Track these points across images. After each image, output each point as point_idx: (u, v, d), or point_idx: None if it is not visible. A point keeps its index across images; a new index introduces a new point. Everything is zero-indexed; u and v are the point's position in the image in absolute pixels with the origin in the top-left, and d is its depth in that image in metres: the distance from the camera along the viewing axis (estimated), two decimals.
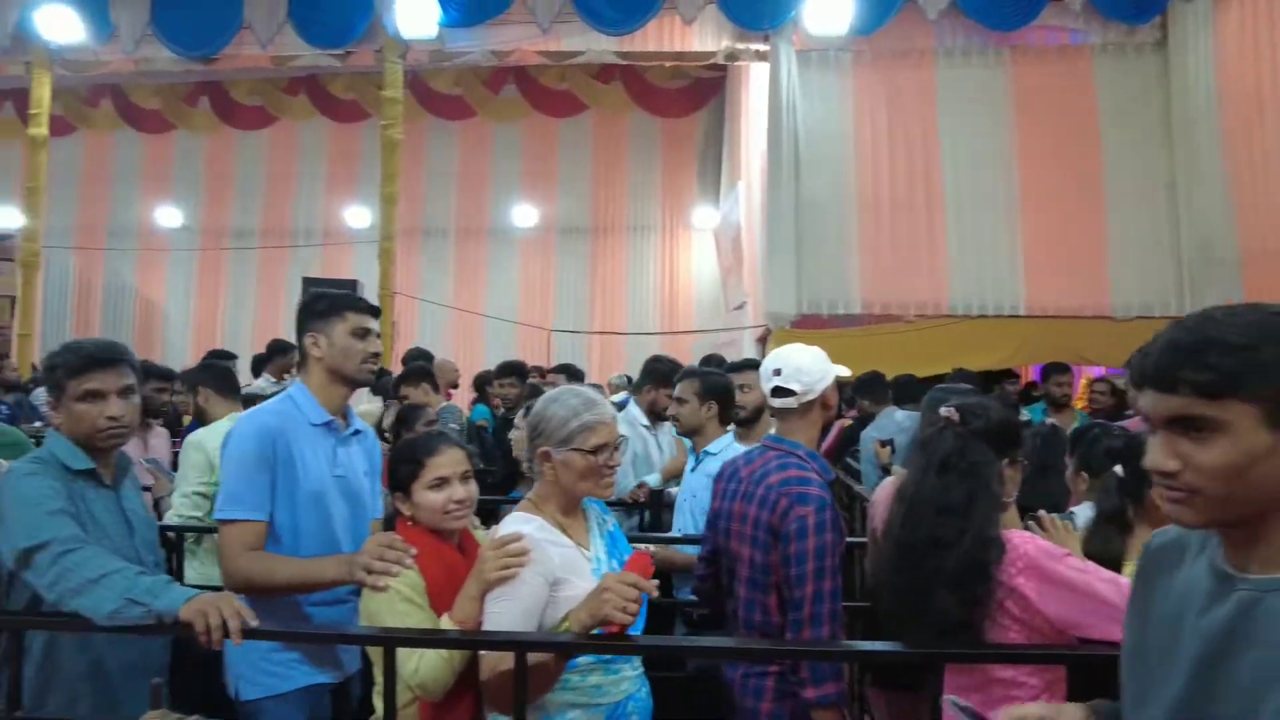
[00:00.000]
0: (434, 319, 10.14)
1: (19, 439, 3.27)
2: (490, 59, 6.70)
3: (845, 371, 2.17)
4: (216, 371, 3.57)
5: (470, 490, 1.81)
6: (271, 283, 10.65)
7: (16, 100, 9.19)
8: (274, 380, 6.19)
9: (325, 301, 1.98)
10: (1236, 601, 0.88)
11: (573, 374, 5.57)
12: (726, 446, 2.92)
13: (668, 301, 10.22)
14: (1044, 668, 1.52)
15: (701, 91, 9.63)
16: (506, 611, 1.52)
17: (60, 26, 6.19)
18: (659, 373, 3.94)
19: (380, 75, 7.96)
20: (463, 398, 6.19)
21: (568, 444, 1.62)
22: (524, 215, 10.32)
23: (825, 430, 2.48)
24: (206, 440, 3.03)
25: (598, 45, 6.51)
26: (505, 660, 1.48)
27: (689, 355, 8.43)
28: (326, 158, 10.65)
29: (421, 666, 1.55)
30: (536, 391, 5.64)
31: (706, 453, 2.89)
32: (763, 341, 6.56)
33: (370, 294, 7.69)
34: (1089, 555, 1.62)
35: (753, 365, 2.94)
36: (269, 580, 1.79)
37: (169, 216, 10.81)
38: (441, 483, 1.75)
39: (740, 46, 6.73)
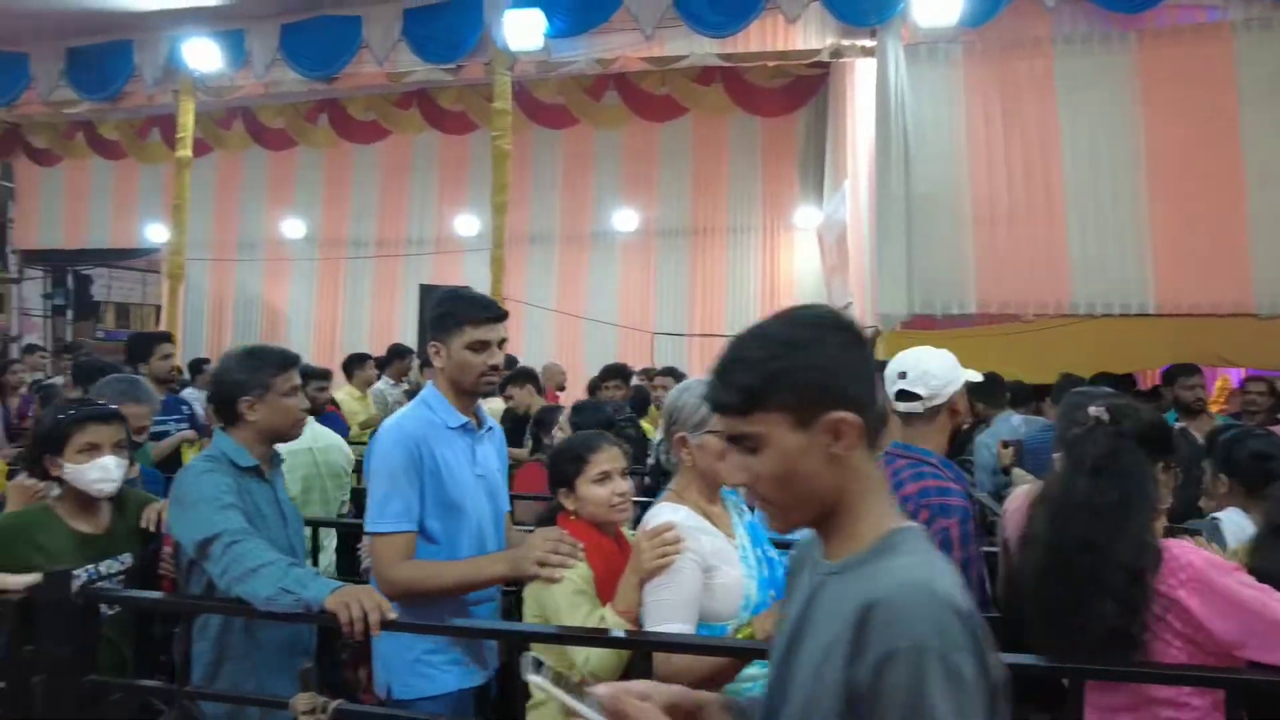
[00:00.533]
0: (538, 323, 10.38)
1: None
2: (594, 67, 6.81)
3: (976, 376, 2.12)
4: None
5: (629, 485, 1.88)
6: (387, 289, 11.14)
7: (163, 126, 9.95)
8: (393, 383, 6.51)
9: (448, 312, 2.02)
10: (809, 589, 0.93)
11: (677, 377, 5.63)
12: None
13: (768, 303, 10.12)
14: (1210, 689, 1.44)
15: (802, 90, 9.50)
16: (667, 600, 1.57)
17: (202, 57, 6.68)
18: None
19: (488, 87, 8.26)
20: (566, 399, 6.31)
21: (702, 427, 1.66)
22: (624, 219, 10.44)
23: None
24: None
25: (700, 49, 6.52)
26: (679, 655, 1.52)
27: None
28: (437, 168, 11.05)
29: (592, 656, 1.62)
30: (642, 393, 5.73)
31: None
32: (870, 343, 6.43)
33: None
34: (1257, 571, 1.52)
35: None
36: (435, 586, 1.85)
37: (292, 228, 11.45)
38: (605, 477, 1.83)
39: (845, 43, 6.61)
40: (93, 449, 2.06)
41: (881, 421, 0.94)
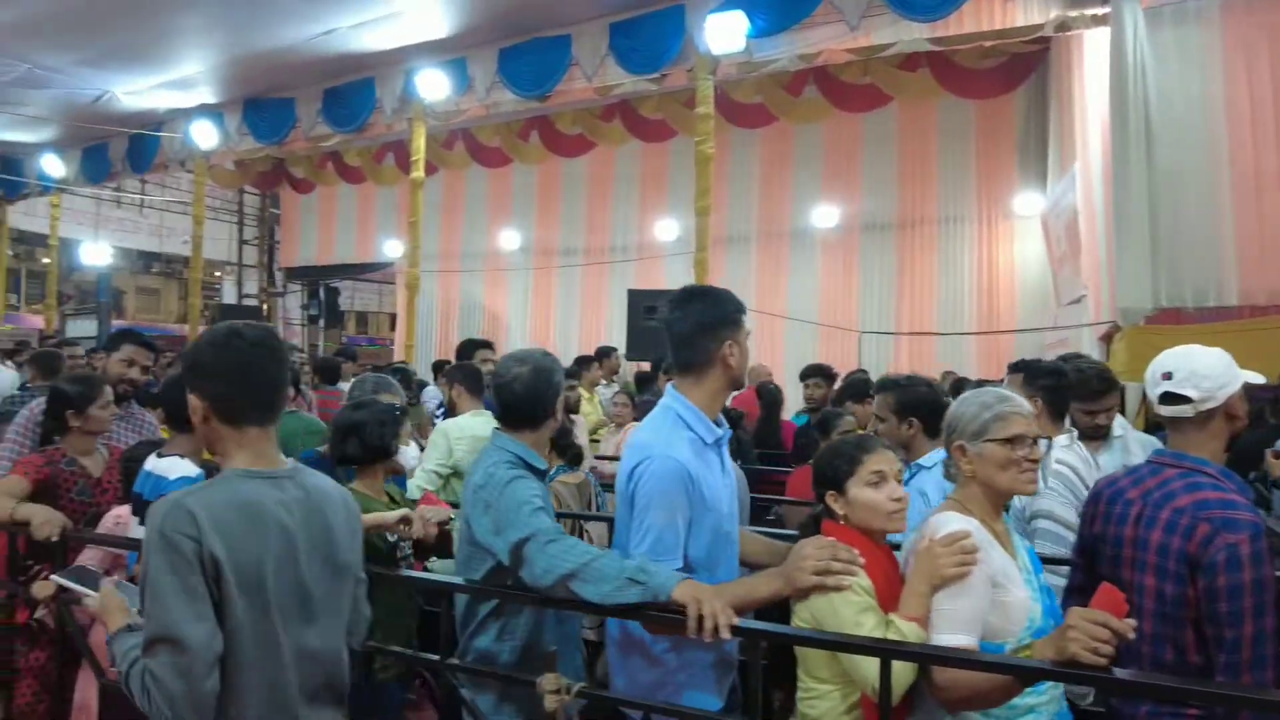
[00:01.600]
0: None
1: (323, 428, 3.95)
2: (797, 63, 6.73)
3: (1258, 378, 1.88)
4: (469, 372, 4.25)
5: (905, 490, 1.77)
6: (594, 295, 11.66)
7: (396, 151, 11.05)
8: (605, 382, 6.79)
9: (734, 305, 1.95)
10: None
11: (827, 376, 5.54)
12: (940, 460, 2.71)
13: (984, 298, 9.49)
14: None
15: (1018, 69, 8.81)
16: (960, 610, 1.51)
17: (432, 86, 7.33)
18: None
19: (686, 93, 8.39)
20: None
21: (981, 435, 1.60)
22: (824, 215, 10.20)
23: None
24: (450, 429, 3.71)
25: (908, 34, 6.24)
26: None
27: (1008, 355, 7.77)
28: (639, 177, 11.39)
29: (892, 669, 1.53)
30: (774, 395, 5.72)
31: (919, 465, 2.61)
32: (1107, 340, 5.83)
33: None
34: None
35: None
36: None
37: (509, 240, 12.27)
38: (880, 479, 1.73)
39: (1073, 14, 6.07)
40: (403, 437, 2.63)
41: None
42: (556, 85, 7.13)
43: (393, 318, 17.44)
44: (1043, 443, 1.65)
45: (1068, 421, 2.91)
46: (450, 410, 3.80)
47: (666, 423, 1.90)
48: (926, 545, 1.57)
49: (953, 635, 1.48)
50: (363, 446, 2.60)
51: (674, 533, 1.79)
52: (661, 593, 1.60)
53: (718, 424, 1.94)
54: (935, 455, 2.55)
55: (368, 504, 2.47)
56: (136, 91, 8.64)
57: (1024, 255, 9.20)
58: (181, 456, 2.69)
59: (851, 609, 1.59)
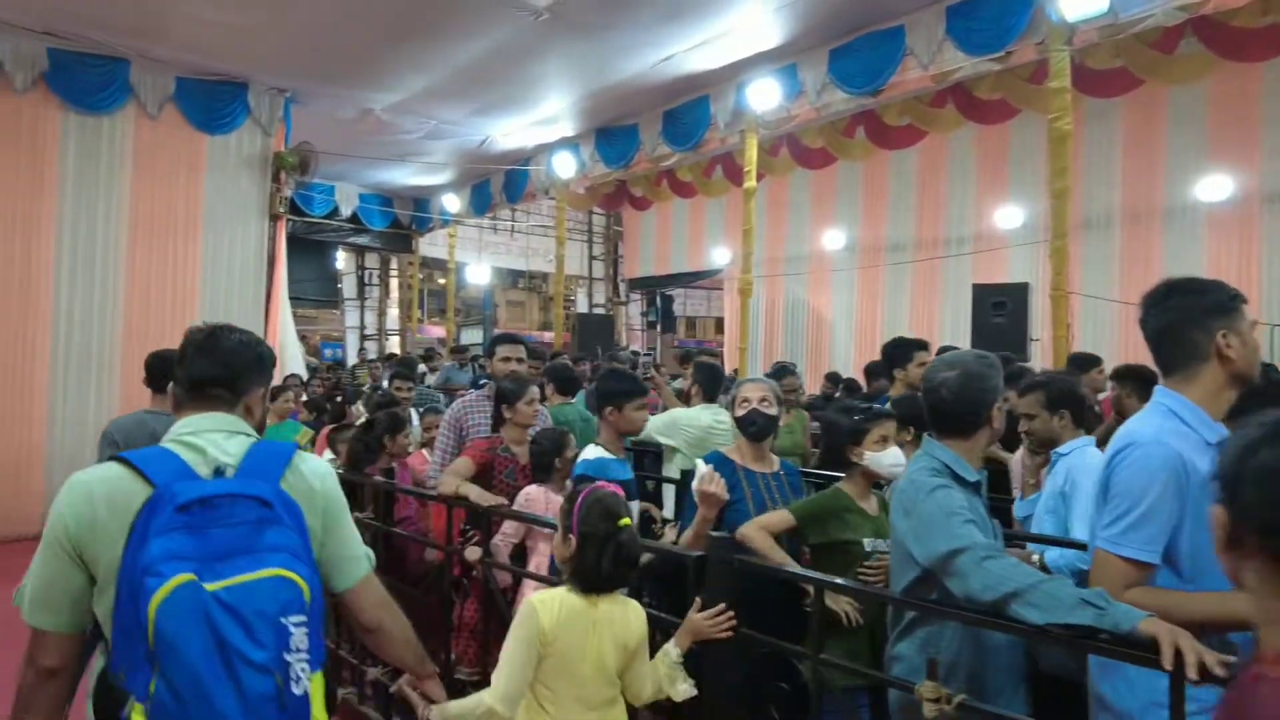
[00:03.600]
0: (1096, 317, 9.31)
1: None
2: (1175, 15, 5.88)
3: None
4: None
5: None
6: (926, 291, 11.17)
7: (724, 164, 11.57)
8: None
9: (1226, 293, 1.78)
10: None
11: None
12: (1079, 447, 2.85)
13: None
14: None
15: None
16: None
17: (763, 96, 7.59)
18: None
19: (1028, 68, 7.72)
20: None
21: None
22: (1212, 188, 8.74)
23: None
24: (680, 417, 4.41)
25: None
26: None
27: None
28: (974, 163, 10.70)
29: None
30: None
31: (1057, 454, 2.82)
32: None
33: (1038, 296, 7.47)
34: None
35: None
36: (1182, 619, 1.54)
37: (833, 240, 12.21)
38: None
39: None
40: (884, 440, 2.75)
41: None
42: (890, 78, 6.98)
43: (718, 321, 18.25)
44: None
45: None
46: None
47: (1157, 417, 1.76)
48: None
49: None
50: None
51: (1155, 523, 1.64)
52: (1123, 623, 1.48)
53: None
54: (1073, 444, 2.88)
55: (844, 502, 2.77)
56: (510, 133, 10.05)
57: None
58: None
59: None
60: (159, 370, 3.45)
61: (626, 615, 2.06)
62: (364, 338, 16.75)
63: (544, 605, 1.99)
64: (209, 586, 1.38)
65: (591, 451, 3.21)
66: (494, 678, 1.96)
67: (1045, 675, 2.19)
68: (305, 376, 9.16)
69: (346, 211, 12.90)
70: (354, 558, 1.73)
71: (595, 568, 2.00)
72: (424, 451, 4.73)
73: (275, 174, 8.84)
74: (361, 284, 16.71)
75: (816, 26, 7.16)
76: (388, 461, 4.21)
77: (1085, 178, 9.34)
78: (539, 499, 3.33)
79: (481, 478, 3.48)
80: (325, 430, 5.44)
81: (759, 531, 2.66)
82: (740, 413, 2.97)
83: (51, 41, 7.41)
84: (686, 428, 4.32)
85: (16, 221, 7.36)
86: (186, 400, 1.67)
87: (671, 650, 2.15)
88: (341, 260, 16.24)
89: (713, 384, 4.49)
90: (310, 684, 1.47)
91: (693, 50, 7.54)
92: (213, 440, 1.59)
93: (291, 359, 9.25)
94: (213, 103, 8.39)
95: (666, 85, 8.34)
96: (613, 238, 16.82)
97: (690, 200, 13.55)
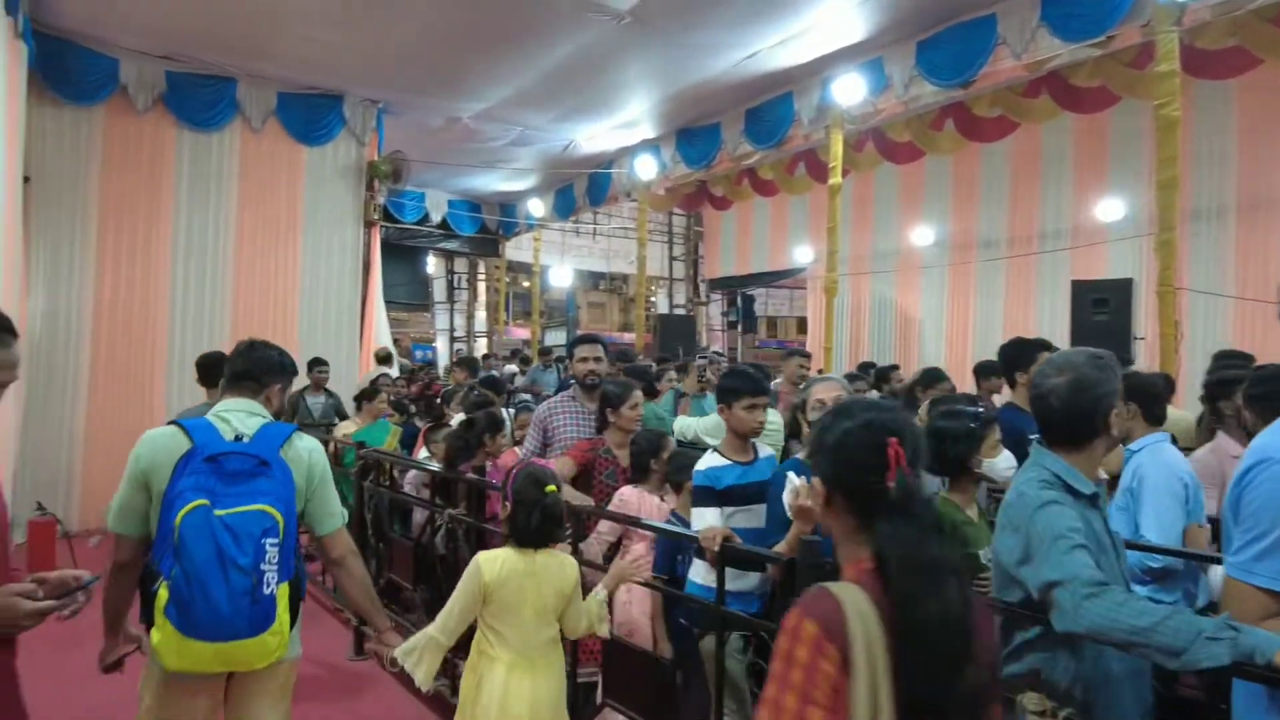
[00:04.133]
0: (1207, 313, 8.80)
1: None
2: None
3: None
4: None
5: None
6: (1020, 288, 10.77)
7: (807, 160, 11.42)
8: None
9: None
10: None
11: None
12: (1150, 443, 2.83)
13: None
14: None
15: None
16: None
17: (849, 91, 7.46)
18: None
19: (1129, 52, 7.35)
20: None
21: None
22: None
23: None
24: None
25: None
26: None
27: None
28: (1072, 154, 10.26)
29: None
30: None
31: (1130, 450, 2.80)
32: None
33: (1143, 292, 7.13)
34: None
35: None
36: None
37: (921, 236, 11.89)
38: None
39: None
40: (996, 446, 2.71)
41: None
42: (981, 69, 6.77)
43: (800, 321, 18.00)
44: None
45: None
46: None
47: None
48: None
49: None
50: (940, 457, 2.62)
51: None
52: (1260, 652, 1.38)
53: None
54: (1144, 440, 2.86)
55: (952, 513, 2.63)
56: (593, 137, 10.17)
57: None
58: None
59: None
60: (208, 369, 4.19)
61: (562, 566, 2.50)
62: (453, 339, 17.24)
63: (488, 562, 2.43)
64: (217, 512, 2.08)
65: (704, 461, 3.05)
66: (439, 617, 2.40)
67: (1177, 700, 2.05)
68: (394, 376, 9.48)
69: (436, 218, 13.31)
70: (331, 514, 2.43)
71: (526, 526, 2.43)
72: (515, 449, 4.84)
73: (369, 182, 9.20)
74: (451, 287, 17.20)
75: (903, 19, 7.00)
76: (482, 459, 4.32)
77: (1195, 167, 8.84)
78: (633, 500, 3.36)
79: (582, 478, 3.55)
80: (423, 430, 5.63)
81: None
82: (814, 415, 2.87)
83: (169, 65, 7.92)
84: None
85: (138, 231, 7.90)
86: (227, 389, 2.43)
87: (600, 593, 2.57)
88: (432, 265, 16.75)
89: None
90: (278, 590, 2.14)
91: (776, 47, 7.48)
92: (238, 417, 2.31)
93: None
94: (311, 115, 8.79)
95: (749, 83, 8.29)
96: (693, 238, 16.81)
97: (772, 198, 13.41)
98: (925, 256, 12.00)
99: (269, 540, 2.11)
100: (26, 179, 6.88)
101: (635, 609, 3.28)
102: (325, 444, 5.50)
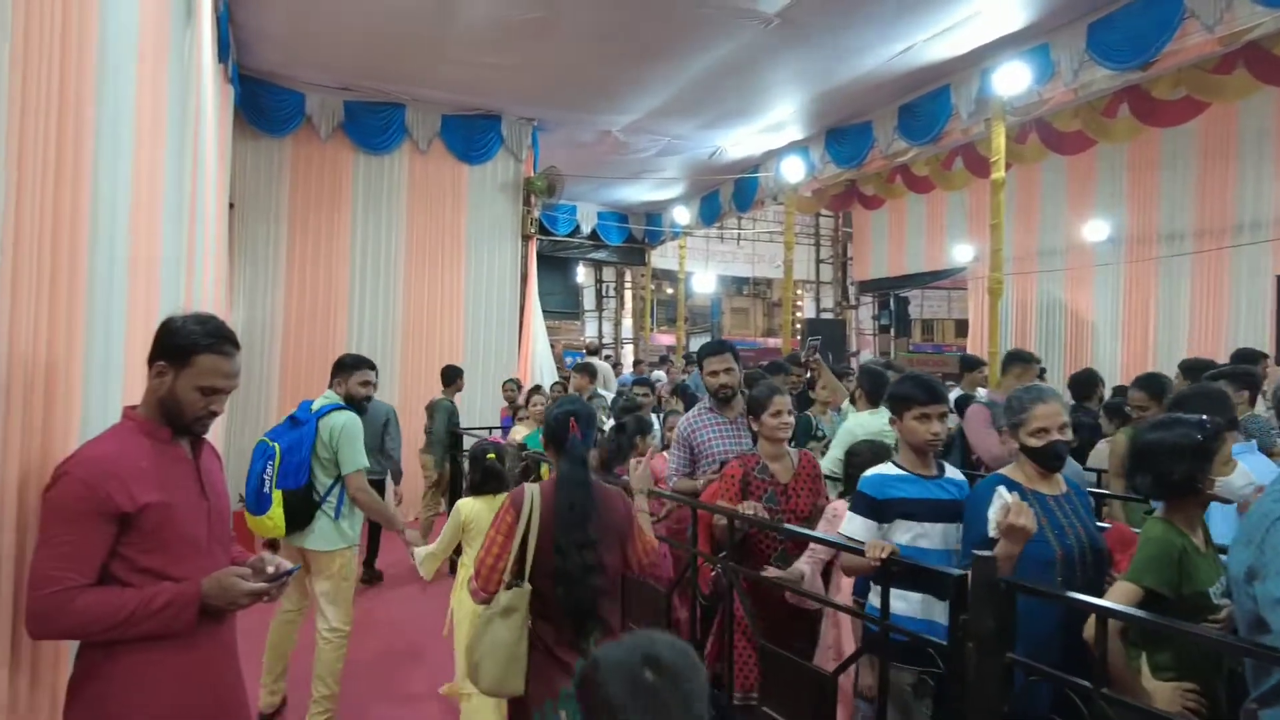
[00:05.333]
0: None
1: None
2: None
3: None
4: (870, 376, 4.73)
5: None
6: (1211, 285, 9.80)
7: (964, 155, 10.91)
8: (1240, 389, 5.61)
9: None
10: None
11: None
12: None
13: None
14: None
15: None
16: None
17: (1011, 80, 7.07)
18: None
19: None
20: None
21: None
22: None
23: None
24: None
25: None
26: None
27: None
28: (1273, 136, 9.26)
29: None
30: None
31: None
32: None
33: None
34: None
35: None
36: None
37: (1094, 231, 11.07)
38: None
39: None
40: (1229, 461, 2.26)
41: None
42: (1164, 47, 6.23)
43: (959, 324, 17.17)
44: None
45: None
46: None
47: None
48: None
49: None
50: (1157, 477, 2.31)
51: None
52: None
53: None
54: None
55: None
56: (739, 142, 10.16)
57: None
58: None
59: None
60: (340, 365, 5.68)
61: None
62: (601, 346, 17.70)
63: (464, 506, 3.73)
64: (269, 442, 3.85)
65: (876, 468, 2.87)
66: (437, 542, 3.71)
67: None
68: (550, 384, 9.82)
69: (587, 229, 13.73)
70: (348, 461, 3.87)
71: (478, 481, 3.79)
72: (664, 454, 4.91)
73: (526, 197, 9.62)
74: (599, 296, 17.67)
75: (1071, 1, 6.57)
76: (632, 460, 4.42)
77: None
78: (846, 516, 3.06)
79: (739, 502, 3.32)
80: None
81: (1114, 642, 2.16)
82: (1037, 444, 2.53)
83: (347, 95, 8.63)
84: (854, 430, 4.36)
85: (321, 246, 8.65)
86: (330, 384, 4.24)
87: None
88: (581, 274, 17.28)
89: (876, 389, 4.59)
90: (273, 494, 3.71)
91: (932, 39, 7.21)
92: (321, 400, 4.07)
93: (545, 369, 9.96)
94: (472, 135, 9.31)
95: (902, 78, 8.03)
96: (841, 239, 16.42)
97: (927, 195, 12.91)
98: (1099, 253, 11.15)
99: (268, 461, 3.75)
100: (231, 205, 7.69)
101: (844, 633, 3.08)
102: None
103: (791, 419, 3.35)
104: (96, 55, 2.22)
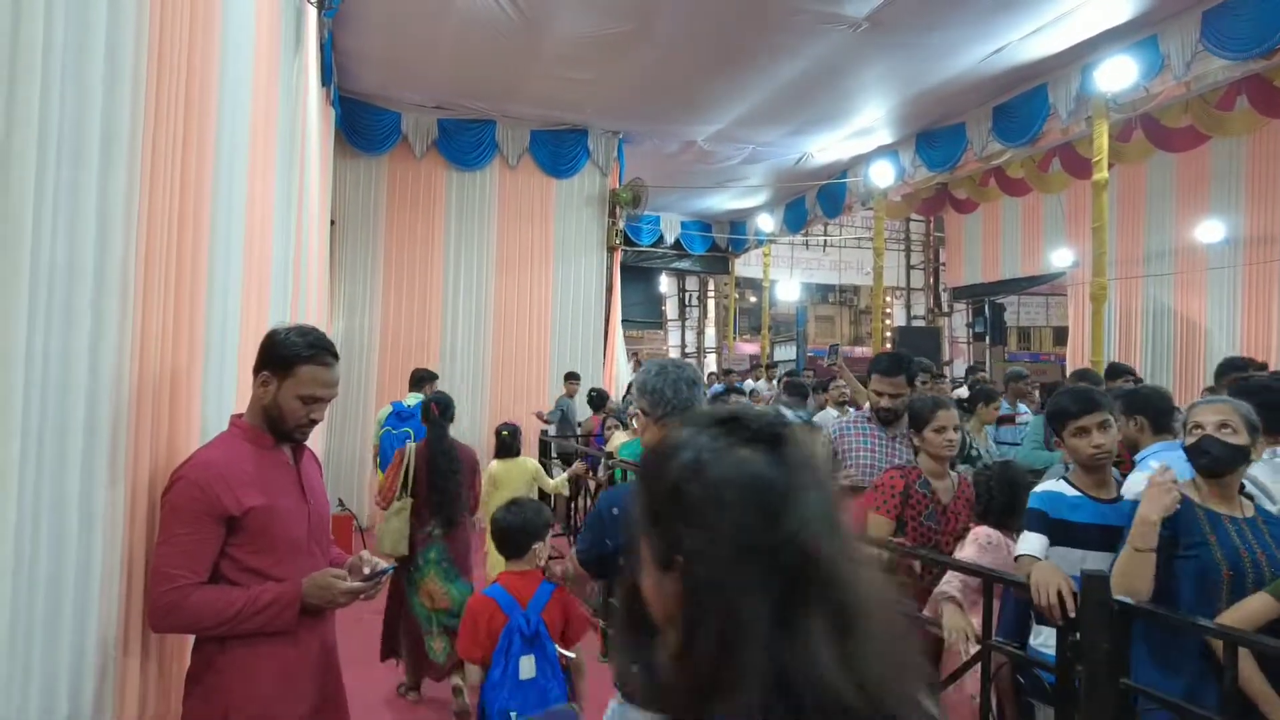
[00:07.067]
0: None
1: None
2: None
3: None
4: (1155, 405, 4.15)
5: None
6: None
7: (1062, 155, 10.48)
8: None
9: None
10: None
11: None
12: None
13: None
14: None
15: None
16: None
17: (1115, 76, 6.76)
18: None
19: None
20: None
21: None
22: None
23: None
24: None
25: None
26: None
27: None
28: None
29: None
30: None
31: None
32: None
33: None
34: None
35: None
36: None
37: (1207, 232, 10.44)
38: None
39: None
40: None
41: None
42: None
43: (1057, 331, 16.45)
44: None
45: None
46: (1133, 449, 3.19)
47: None
48: None
49: None
50: None
51: None
52: None
53: None
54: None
55: None
56: (826, 148, 10.02)
57: None
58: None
59: None
60: (414, 379, 6.63)
61: (524, 465, 5.10)
62: (684, 356, 17.69)
63: (497, 464, 5.04)
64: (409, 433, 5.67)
65: (1048, 484, 2.66)
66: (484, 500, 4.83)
67: None
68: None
69: (670, 239, 13.78)
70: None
71: (505, 447, 5.11)
72: None
73: (611, 209, 9.74)
74: (682, 305, 17.69)
75: None
76: None
77: None
78: (1002, 546, 2.80)
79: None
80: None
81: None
82: (1189, 440, 2.40)
83: (440, 114, 8.93)
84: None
85: (416, 260, 8.96)
86: (413, 387, 6.41)
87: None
88: (664, 283, 17.34)
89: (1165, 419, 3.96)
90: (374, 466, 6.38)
91: (1028, 38, 6.96)
92: (412, 399, 6.08)
93: (624, 378, 10.05)
94: (559, 150, 9.49)
95: (997, 78, 7.78)
96: (933, 245, 15.96)
97: (1022, 198, 12.44)
98: (1213, 256, 10.51)
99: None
100: (332, 222, 8.06)
101: (968, 678, 2.76)
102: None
103: (957, 435, 3.06)
104: (218, 88, 2.37)
